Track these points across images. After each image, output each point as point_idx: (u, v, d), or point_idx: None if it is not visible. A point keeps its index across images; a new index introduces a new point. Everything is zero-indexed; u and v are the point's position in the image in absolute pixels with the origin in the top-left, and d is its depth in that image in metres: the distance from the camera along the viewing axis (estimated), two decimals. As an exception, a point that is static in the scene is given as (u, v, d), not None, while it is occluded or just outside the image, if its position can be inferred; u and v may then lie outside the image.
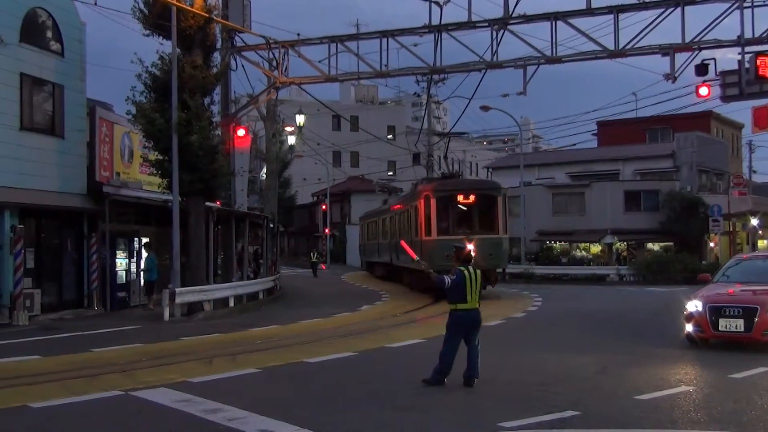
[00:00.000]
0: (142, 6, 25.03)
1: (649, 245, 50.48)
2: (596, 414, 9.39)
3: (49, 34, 24.64)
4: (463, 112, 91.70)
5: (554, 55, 25.32)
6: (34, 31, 23.85)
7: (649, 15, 24.39)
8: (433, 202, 28.59)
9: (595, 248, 52.15)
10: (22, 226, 21.72)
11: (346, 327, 20.04)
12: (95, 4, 21.37)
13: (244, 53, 28.41)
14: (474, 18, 25.86)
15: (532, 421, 8.93)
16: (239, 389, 11.26)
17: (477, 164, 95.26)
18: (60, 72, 24.58)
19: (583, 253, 52.35)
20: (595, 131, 65.65)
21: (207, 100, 25.78)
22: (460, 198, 28.89)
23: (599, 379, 12.01)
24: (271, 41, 27.71)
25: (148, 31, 25.27)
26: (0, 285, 21.96)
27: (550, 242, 53.57)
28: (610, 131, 62.58)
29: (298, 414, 9.31)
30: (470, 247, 17.81)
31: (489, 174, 64.12)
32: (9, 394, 11.01)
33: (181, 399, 10.32)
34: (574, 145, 62.81)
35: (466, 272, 11.26)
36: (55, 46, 24.73)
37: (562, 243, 53.86)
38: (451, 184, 30.75)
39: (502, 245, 29.09)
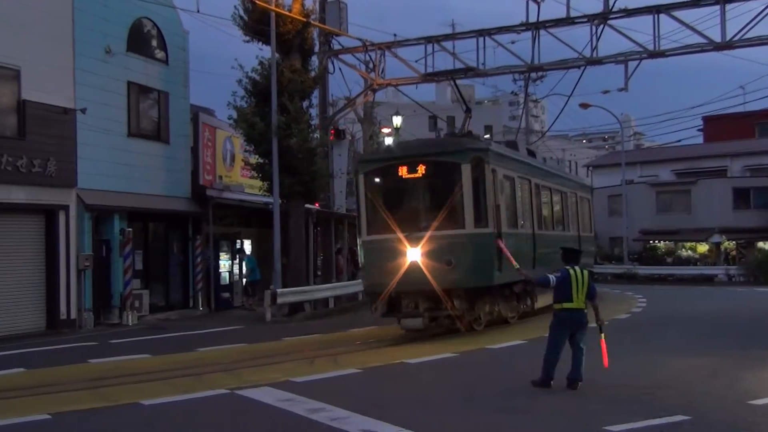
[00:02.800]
0: (242, 13, 25.65)
1: (760, 244, 48.47)
2: (708, 419, 9.08)
3: (154, 42, 25.47)
4: (561, 110, 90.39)
5: (657, 49, 24.61)
6: (140, 40, 24.70)
7: (758, 5, 23.45)
8: (361, 181, 18.36)
9: (702, 247, 50.39)
10: (130, 229, 22.52)
11: (444, 326, 19.95)
12: (197, 11, 21.91)
13: (341, 56, 28.61)
14: (573, 14, 25.39)
15: (640, 425, 8.69)
16: (341, 389, 11.36)
17: (576, 162, 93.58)
18: (165, 79, 25.39)
19: (689, 252, 50.67)
20: (701, 127, 63.52)
21: (306, 104, 26.17)
22: (402, 171, 17.69)
23: (710, 382, 11.60)
24: (367, 43, 27.84)
25: (247, 37, 25.84)
26: (110, 286, 22.83)
27: (654, 242, 52.10)
28: (717, 126, 60.39)
29: (399, 414, 9.32)
30: (412, 255, 16.72)
31: (589, 173, 62.57)
32: (122, 392, 11.42)
33: (285, 398, 10.47)
34: (679, 141, 61.07)
35: (572, 271, 11.13)
36: (159, 54, 25.55)
37: (667, 242, 52.26)
38: (389, 151, 21.59)
39: (477, 247, 16.96)
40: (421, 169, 17.53)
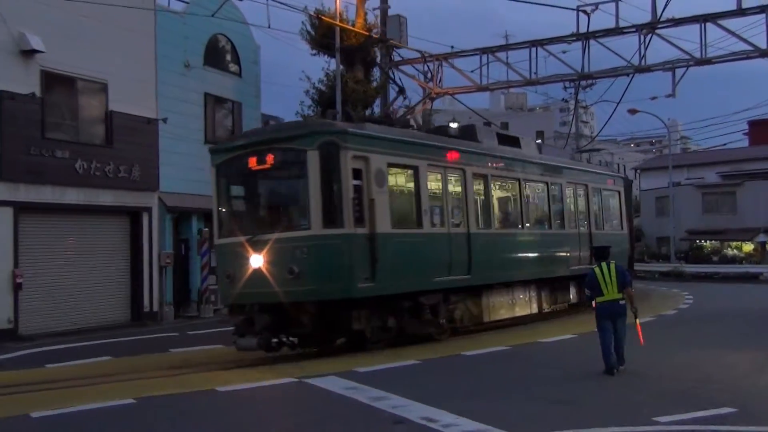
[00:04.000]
0: (309, 28, 25.92)
1: (804, 243, 47.13)
2: (755, 411, 8.82)
3: (229, 57, 25.89)
4: (610, 116, 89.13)
5: (704, 56, 24.11)
6: (216, 55, 25.13)
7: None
8: (213, 174, 14.81)
9: (747, 247, 49.08)
10: (207, 229, 22.87)
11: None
12: (268, 27, 22.18)
13: (401, 67, 28.66)
14: (621, 24, 25.03)
15: (687, 416, 8.48)
16: (400, 379, 11.33)
17: (625, 166, 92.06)
18: (238, 90, 25.77)
19: (735, 251, 49.41)
20: (747, 130, 61.88)
21: (368, 112, 26.25)
22: (252, 162, 13.94)
23: (756, 376, 11.27)
24: (426, 55, 27.84)
25: (314, 51, 26.09)
26: (189, 282, 23.27)
27: (700, 241, 51.01)
28: (762, 130, 58.65)
29: (456, 403, 9.26)
30: (254, 262, 13.09)
31: (637, 175, 61.47)
32: (199, 379, 11.63)
33: (349, 387, 10.49)
34: (724, 145, 59.58)
35: (597, 269, 11.66)
36: (233, 67, 25.96)
37: (713, 242, 51.12)
38: (241, 138, 16.96)
39: (327, 252, 13.18)
40: (270, 159, 13.72)
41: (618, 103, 32.86)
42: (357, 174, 13.39)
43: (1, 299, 18.38)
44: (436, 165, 15.62)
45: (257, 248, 13.17)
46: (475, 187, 16.79)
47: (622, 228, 23.09)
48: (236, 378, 11.54)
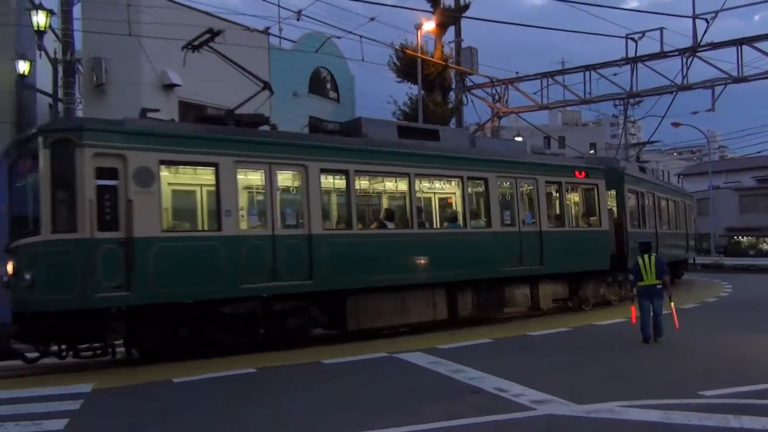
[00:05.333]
0: (395, 60, 26.03)
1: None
2: (791, 388, 8.38)
3: (329, 86, 26.27)
4: (656, 129, 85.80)
5: (740, 75, 23.08)
6: (318, 84, 25.53)
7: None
8: (5, 174, 12.10)
9: (781, 242, 46.88)
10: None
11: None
12: (362, 60, 22.44)
13: (473, 91, 28.49)
14: (666, 48, 24.19)
15: (729, 391, 8.11)
16: (476, 355, 11.20)
17: (668, 172, 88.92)
18: (337, 114, 26.06)
19: (770, 246, 47.23)
20: (780, 140, 58.97)
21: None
22: (22, 162, 11.26)
23: (792, 357, 10.72)
24: (494, 80, 27.59)
25: (399, 79, 26.21)
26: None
27: (738, 237, 48.93)
28: (794, 139, 55.96)
29: (524, 376, 9.10)
30: (9, 269, 10.71)
31: (680, 180, 59.28)
32: (306, 353, 11.63)
33: (432, 361, 10.45)
34: (759, 152, 56.92)
35: (640, 260, 12.25)
36: (333, 94, 26.30)
37: (749, 237, 48.97)
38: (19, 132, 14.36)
39: (57, 259, 10.28)
40: (21, 163, 11.18)
41: (663, 118, 31.85)
42: (111, 173, 10.51)
43: None
44: (255, 161, 11.95)
45: (12, 255, 10.91)
46: (327, 185, 13.13)
47: (600, 224, 17.73)
48: (337, 353, 11.50)
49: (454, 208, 15.57)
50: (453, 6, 27.65)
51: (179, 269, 10.79)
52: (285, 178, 12.44)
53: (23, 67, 17.53)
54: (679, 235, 26.29)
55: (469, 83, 28.48)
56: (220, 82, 21.15)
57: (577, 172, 17.78)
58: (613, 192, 19.41)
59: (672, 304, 12.24)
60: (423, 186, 15.02)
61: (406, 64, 25.74)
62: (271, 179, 12.02)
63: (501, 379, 8.93)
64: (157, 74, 19.89)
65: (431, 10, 27.01)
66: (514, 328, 14.59)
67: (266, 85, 13.61)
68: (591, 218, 18.05)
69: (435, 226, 15.41)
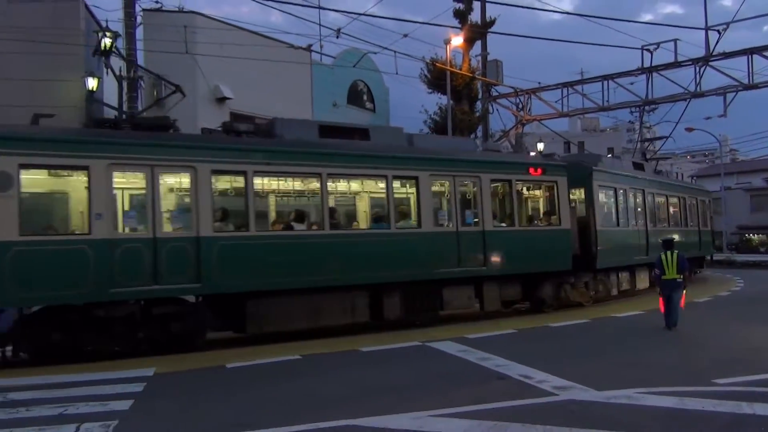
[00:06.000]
0: (426, 72, 25.98)
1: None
2: (802, 377, 8.13)
3: (365, 97, 26.34)
4: (670, 134, 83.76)
5: (751, 82, 22.44)
6: (356, 96, 25.62)
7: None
8: None
9: (791, 240, 45.57)
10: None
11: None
12: (396, 73, 22.44)
13: (498, 100, 28.26)
14: (680, 58, 23.64)
15: (742, 379, 7.93)
16: (502, 344, 11.11)
17: (682, 174, 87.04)
18: (373, 123, 26.06)
19: (780, 243, 45.95)
20: (789, 143, 57.37)
21: (472, 136, 26.04)
22: None
23: (802, 348, 10.39)
24: (518, 90, 27.33)
25: (430, 90, 26.15)
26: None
27: (749, 235, 47.74)
28: (803, 142, 54.39)
29: (547, 364, 9.02)
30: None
31: (694, 181, 58.02)
32: (346, 342, 11.71)
33: (461, 350, 10.42)
34: (768, 155, 55.62)
35: (663, 256, 12.47)
36: (369, 105, 26.38)
37: (760, 235, 47.73)
38: None
39: None
40: None
41: (677, 123, 31.10)
42: None
43: None
44: (134, 163, 10.65)
45: None
46: (223, 186, 11.88)
47: (560, 223, 15.60)
48: (370, 342, 11.48)
49: (380, 208, 13.66)
50: (480, 22, 27.46)
51: (42, 274, 9.62)
52: (170, 180, 11.25)
53: (92, 83, 17.93)
54: (686, 233, 25.20)
55: (494, 93, 28.20)
56: (267, 95, 21.39)
57: (532, 169, 15.56)
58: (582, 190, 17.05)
59: (684, 292, 12.60)
60: (342, 186, 13.51)
61: (436, 77, 25.69)
62: (153, 181, 10.68)
63: (525, 367, 8.86)
64: (210, 88, 20.17)
65: (459, 26, 26.89)
66: (536, 320, 14.41)
67: (177, 88, 14.10)
68: (552, 217, 15.82)
69: (360, 227, 13.63)
